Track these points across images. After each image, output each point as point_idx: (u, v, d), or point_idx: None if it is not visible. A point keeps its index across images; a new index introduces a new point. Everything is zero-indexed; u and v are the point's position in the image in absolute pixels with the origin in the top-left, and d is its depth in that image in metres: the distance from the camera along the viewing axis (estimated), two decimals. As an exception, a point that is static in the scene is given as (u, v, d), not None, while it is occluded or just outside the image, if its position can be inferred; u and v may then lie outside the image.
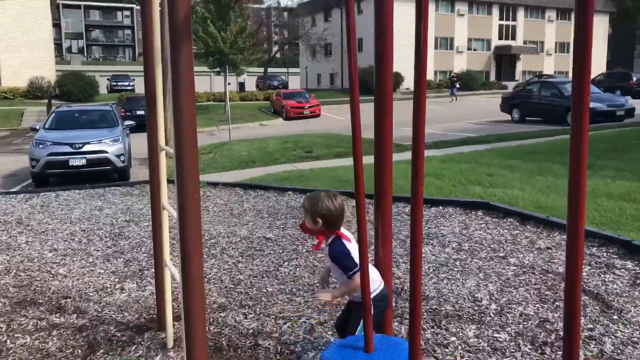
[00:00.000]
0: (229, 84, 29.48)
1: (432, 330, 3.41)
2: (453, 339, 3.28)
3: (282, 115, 28.82)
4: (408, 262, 4.65)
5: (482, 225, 5.67)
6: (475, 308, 3.65)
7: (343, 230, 2.71)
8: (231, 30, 30.40)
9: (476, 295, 3.86)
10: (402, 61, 39.39)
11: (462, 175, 8.42)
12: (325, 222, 2.64)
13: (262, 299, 4.06)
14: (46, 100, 29.77)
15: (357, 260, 2.53)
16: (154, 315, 3.75)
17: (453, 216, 6.09)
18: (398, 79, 39.80)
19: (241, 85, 45.14)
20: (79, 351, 3.38)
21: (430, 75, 44.31)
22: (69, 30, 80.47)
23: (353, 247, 2.65)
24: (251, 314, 3.78)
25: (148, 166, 3.61)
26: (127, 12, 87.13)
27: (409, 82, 41.29)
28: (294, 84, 53.63)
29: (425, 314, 3.61)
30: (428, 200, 6.88)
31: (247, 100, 36.39)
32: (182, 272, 2.51)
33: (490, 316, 3.55)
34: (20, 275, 4.87)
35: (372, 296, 2.56)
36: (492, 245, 4.98)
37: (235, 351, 3.26)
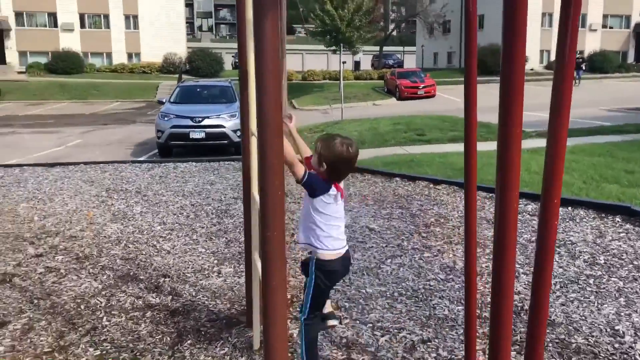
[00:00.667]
0: (345, 62, 29.08)
1: (559, 366, 2.78)
2: (586, 381, 2.64)
3: (396, 95, 27.94)
4: (530, 273, 3.97)
5: (622, 234, 4.78)
6: (616, 345, 2.94)
7: (341, 184, 2.56)
8: (348, 8, 29.88)
9: (616, 328, 3.13)
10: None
11: (595, 171, 7.33)
12: (330, 168, 2.46)
13: (360, 301, 3.64)
14: (177, 75, 31.48)
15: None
16: (245, 307, 3.48)
17: (584, 220, 5.22)
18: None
19: (356, 64, 44.58)
20: (168, 339, 3.20)
21: (553, 56, 40.68)
22: (200, 9, 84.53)
23: (335, 198, 2.52)
24: (347, 318, 3.38)
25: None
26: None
27: (533, 63, 38.32)
28: (410, 63, 52.05)
29: (549, 344, 2.98)
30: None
31: (362, 79, 35.83)
32: (262, 278, 2.15)
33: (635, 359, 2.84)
34: (128, 247, 4.88)
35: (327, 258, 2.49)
36: (635, 262, 4.13)
37: (325, 362, 2.89)
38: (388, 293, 3.75)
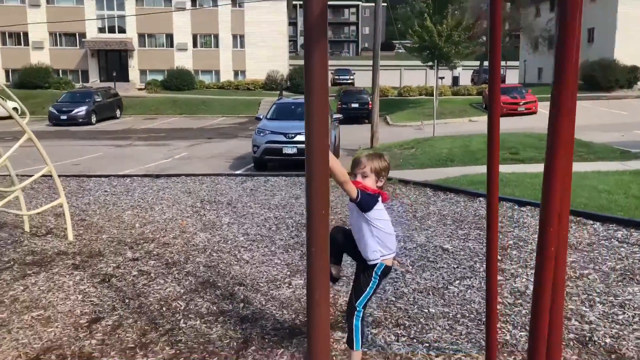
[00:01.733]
0: (442, 78, 28.60)
1: (621, 404, 2.63)
2: (648, 423, 2.48)
3: (494, 111, 27.00)
4: (605, 302, 3.77)
5: None
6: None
7: None
8: (447, 24, 29.44)
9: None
10: (642, 53, 33.75)
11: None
12: (382, 179, 3.01)
13: (421, 320, 3.65)
14: (278, 92, 32.75)
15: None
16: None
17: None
18: (636, 74, 34.17)
19: (455, 80, 43.65)
20: (235, 344, 3.43)
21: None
22: (302, 27, 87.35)
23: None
24: (404, 336, 3.41)
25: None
26: (352, 9, 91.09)
27: (650, 78, 35.16)
28: (512, 78, 49.99)
29: (614, 379, 2.82)
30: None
31: (460, 94, 35.01)
32: (307, 289, 2.28)
33: None
34: (212, 256, 5.23)
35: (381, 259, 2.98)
36: None
37: (376, 378, 2.95)
38: (451, 314, 3.72)
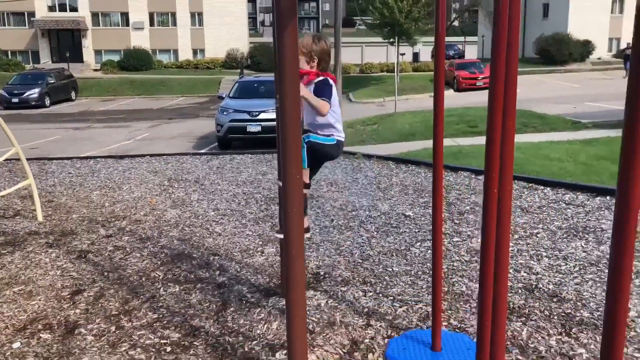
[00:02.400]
0: (403, 54, 29.06)
1: (559, 337, 3.03)
2: (581, 351, 2.88)
3: (454, 87, 27.67)
4: (550, 256, 4.19)
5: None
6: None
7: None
8: (407, 0, 29.76)
9: (620, 306, 3.32)
10: (592, 26, 34.88)
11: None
12: (319, 62, 3.14)
13: (386, 277, 3.99)
14: (239, 70, 32.53)
15: (333, 98, 3.10)
16: (281, 281, 3.91)
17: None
18: (588, 47, 35.47)
19: (415, 56, 44.18)
20: (214, 306, 3.69)
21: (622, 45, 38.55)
22: (262, 4, 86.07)
23: (334, 90, 3.18)
24: (370, 292, 3.74)
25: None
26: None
27: (601, 51, 36.59)
28: (471, 54, 50.93)
29: (555, 317, 3.22)
30: (595, 188, 6.09)
31: (420, 71, 35.61)
32: (284, 245, 2.55)
33: (636, 331, 3.04)
34: (185, 230, 5.44)
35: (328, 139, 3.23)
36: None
37: (346, 328, 3.26)
38: (413, 272, 4.08)
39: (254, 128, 12.71)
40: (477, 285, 3.70)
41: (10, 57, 38.14)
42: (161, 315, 3.58)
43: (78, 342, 3.28)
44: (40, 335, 3.37)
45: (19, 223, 5.84)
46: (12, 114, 22.99)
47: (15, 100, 25.28)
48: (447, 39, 50.67)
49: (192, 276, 4.21)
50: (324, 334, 3.20)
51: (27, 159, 9.12)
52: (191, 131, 16.42)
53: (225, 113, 12.87)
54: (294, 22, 2.45)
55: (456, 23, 53.14)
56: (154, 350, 3.16)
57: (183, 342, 3.23)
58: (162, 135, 15.55)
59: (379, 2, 31.04)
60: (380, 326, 3.26)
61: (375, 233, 5.05)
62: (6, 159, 6.42)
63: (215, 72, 38.18)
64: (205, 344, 3.19)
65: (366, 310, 3.48)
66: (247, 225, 5.52)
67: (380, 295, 3.69)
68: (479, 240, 4.60)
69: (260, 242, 4.97)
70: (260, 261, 4.49)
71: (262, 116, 12.74)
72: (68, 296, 3.93)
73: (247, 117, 12.72)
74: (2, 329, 3.47)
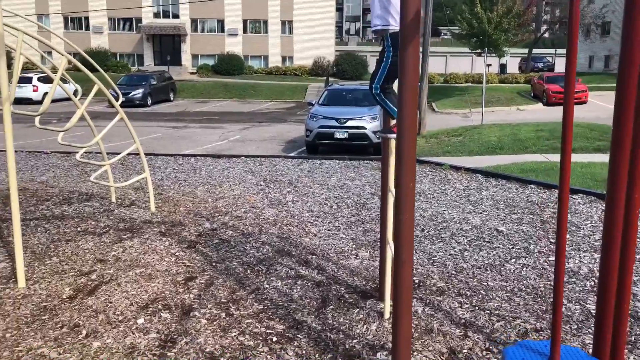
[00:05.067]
0: (490, 65, 28.27)
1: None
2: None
3: (542, 100, 26.52)
4: (655, 283, 4.00)
5: None
6: None
7: None
8: (497, 11, 28.95)
9: None
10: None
11: None
12: None
13: (481, 292, 3.97)
14: (324, 78, 33.07)
15: None
16: (378, 285, 4.01)
17: None
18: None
19: (502, 67, 42.78)
20: (314, 303, 3.85)
21: None
22: (349, 13, 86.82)
23: None
24: (466, 304, 3.75)
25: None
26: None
27: None
28: (561, 66, 48.55)
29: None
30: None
31: (507, 82, 34.41)
32: (394, 254, 2.65)
33: None
34: (283, 229, 5.68)
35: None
36: None
37: (444, 336, 3.30)
38: (508, 288, 4.03)
39: (341, 135, 12.90)
40: (576, 306, 3.62)
41: (118, 59, 41.05)
42: (266, 307, 3.79)
43: (193, 324, 3.55)
44: (161, 314, 3.69)
45: (135, 212, 6.34)
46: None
47: (122, 99, 27.23)
48: (536, 51, 48.68)
49: (293, 272, 4.41)
50: (423, 340, 3.26)
51: (137, 154, 9.79)
52: (280, 134, 16.91)
53: (314, 119, 13.16)
54: (416, 37, 2.55)
55: (547, 35, 50.85)
56: (261, 338, 3.36)
57: (287, 334, 3.41)
58: (253, 138, 16.14)
59: (468, 12, 30.42)
60: (477, 338, 3.27)
61: (468, 246, 5.02)
62: (128, 153, 6.98)
63: (302, 78, 38.98)
64: (308, 338, 3.35)
65: (463, 321, 3.50)
66: (340, 228, 5.67)
67: (477, 308, 3.69)
68: (576, 261, 4.47)
69: (354, 246, 5.10)
70: (355, 264, 4.61)
71: (349, 123, 12.92)
72: (182, 281, 4.24)
73: (335, 123, 12.95)
74: (128, 305, 3.82)
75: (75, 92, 6.39)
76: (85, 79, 6.04)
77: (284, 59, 42.64)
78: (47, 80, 26.64)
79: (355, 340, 3.30)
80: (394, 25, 3.20)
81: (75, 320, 3.59)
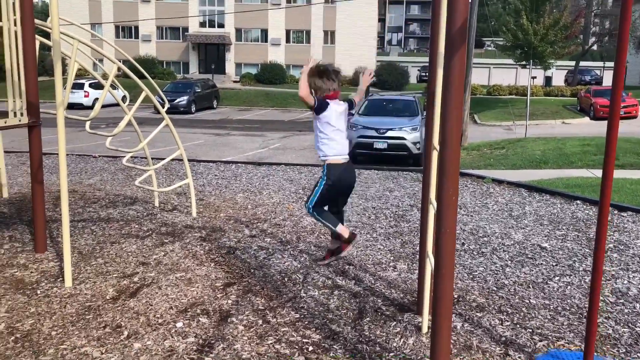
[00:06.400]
0: (534, 77, 27.63)
1: None
2: None
3: (590, 114, 25.73)
4: None
5: None
6: None
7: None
8: (544, 23, 28.30)
9: None
10: None
11: None
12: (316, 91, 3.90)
13: (523, 309, 3.85)
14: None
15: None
16: (416, 299, 3.94)
17: None
18: None
19: (547, 80, 41.74)
20: (351, 314, 3.82)
21: None
22: (391, 24, 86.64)
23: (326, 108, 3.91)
24: (507, 321, 3.64)
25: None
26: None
27: None
28: (610, 80, 46.95)
29: None
30: None
31: (552, 95, 33.54)
32: (434, 267, 2.60)
33: None
34: (320, 237, 5.68)
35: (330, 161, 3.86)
36: None
37: (483, 354, 3.21)
38: (552, 306, 3.89)
39: (380, 145, 12.86)
40: (624, 329, 3.46)
41: (165, 66, 42.24)
42: (302, 316, 3.78)
43: (231, 330, 3.58)
44: (199, 318, 3.73)
45: (177, 216, 6.47)
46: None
47: (167, 106, 27.99)
48: (584, 64, 47.28)
49: (330, 282, 4.39)
50: (461, 357, 3.18)
51: (180, 160, 10.03)
52: (319, 143, 16.99)
53: (354, 129, 13.15)
54: (463, 48, 2.50)
55: (595, 47, 49.34)
56: (297, 347, 3.35)
57: (323, 344, 3.38)
58: (293, 146, 16.27)
59: (513, 24, 29.88)
60: (518, 357, 3.16)
61: (510, 262, 4.89)
62: (172, 159, 7.14)
63: (343, 88, 39.03)
64: (344, 349, 3.32)
65: (503, 339, 3.39)
66: (377, 240, 5.62)
67: (518, 326, 3.57)
68: (625, 281, 4.28)
69: (392, 258, 5.04)
70: (393, 276, 4.56)
71: (389, 134, 12.87)
72: (221, 287, 4.29)
73: (374, 134, 12.92)
74: (168, 309, 3.89)
75: (124, 98, 6.58)
76: (133, 86, 6.22)
77: (325, 68, 42.90)
78: (97, 86, 27.64)
79: (392, 354, 3.25)
80: (330, 156, 3.84)
81: (118, 321, 3.68)
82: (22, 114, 4.49)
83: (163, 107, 6.45)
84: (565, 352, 2.81)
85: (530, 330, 3.51)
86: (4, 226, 5.87)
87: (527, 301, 4.00)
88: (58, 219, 6.20)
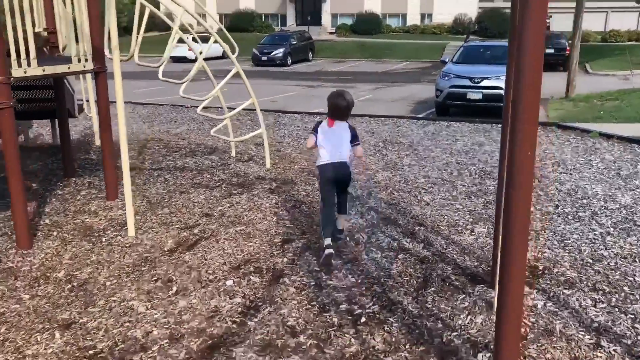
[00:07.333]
0: (661, 20, 23.96)
1: None
2: None
3: None
4: None
5: None
6: None
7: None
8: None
9: None
10: None
11: None
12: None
13: (625, 288, 3.14)
14: (464, 36, 30.82)
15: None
16: (490, 269, 3.36)
17: None
18: None
19: (678, 22, 36.26)
20: (414, 282, 3.34)
21: None
22: (498, -32, 79.70)
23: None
24: (603, 302, 2.97)
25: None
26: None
27: None
28: None
29: None
30: None
31: (683, 39, 29.10)
32: (502, 232, 2.03)
33: None
34: (393, 194, 5.17)
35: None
36: None
37: (567, 342, 2.61)
38: (663, 288, 3.14)
39: (474, 95, 11.74)
40: None
41: (263, 19, 42.29)
42: (360, 281, 3.37)
43: (281, 291, 3.26)
44: (250, 277, 3.45)
45: (250, 167, 6.25)
46: (261, 70, 25.50)
47: (264, 58, 28.00)
48: None
49: (395, 244, 3.92)
50: (539, 344, 2.60)
51: (266, 111, 9.77)
52: (411, 95, 16.05)
53: (446, 78, 12.12)
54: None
55: None
56: (349, 317, 2.96)
57: (378, 315, 2.96)
58: (383, 98, 15.52)
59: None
60: (614, 350, 2.53)
61: (612, 229, 4.08)
62: (247, 109, 6.90)
63: (441, 37, 36.84)
64: (400, 323, 2.88)
65: (595, 325, 2.75)
66: (457, 199, 5.00)
67: (617, 309, 2.89)
68: None
69: (471, 219, 4.42)
70: (469, 240, 3.97)
71: (484, 83, 11.68)
72: (279, 243, 3.98)
73: (468, 83, 11.79)
74: (221, 264, 3.65)
75: (224, 54, 6.43)
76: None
77: (422, 17, 40.58)
78: (200, 40, 28.30)
79: (455, 334, 2.75)
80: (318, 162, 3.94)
81: (170, 274, 3.51)
82: (86, 60, 4.37)
83: (234, 53, 6.15)
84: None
85: (632, 316, 2.82)
86: (88, 172, 6.00)
87: (631, 279, 3.26)
88: (141, 167, 6.25)
